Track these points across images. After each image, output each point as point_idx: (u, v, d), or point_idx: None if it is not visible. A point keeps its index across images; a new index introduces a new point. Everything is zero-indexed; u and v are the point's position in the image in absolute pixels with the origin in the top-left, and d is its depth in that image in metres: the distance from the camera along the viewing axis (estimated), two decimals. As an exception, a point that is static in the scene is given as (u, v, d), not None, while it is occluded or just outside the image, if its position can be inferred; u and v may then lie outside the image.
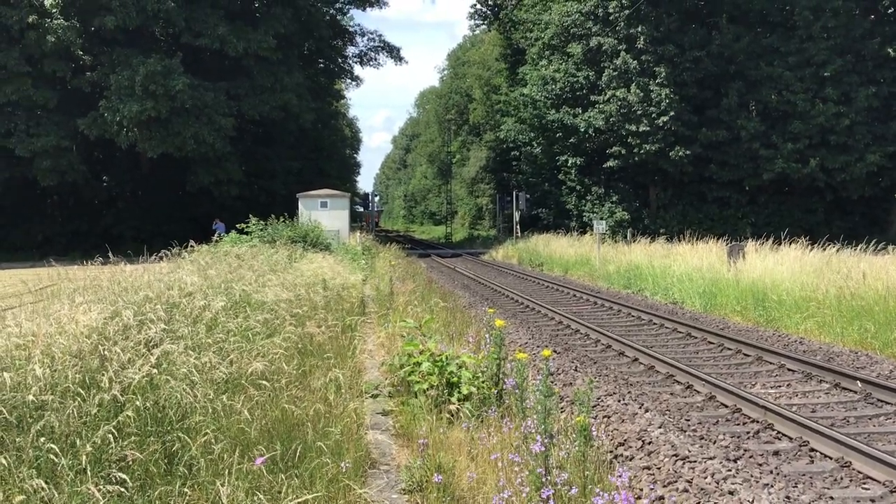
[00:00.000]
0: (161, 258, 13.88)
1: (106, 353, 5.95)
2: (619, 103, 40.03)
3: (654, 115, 39.21)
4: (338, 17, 57.64)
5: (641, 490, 6.70)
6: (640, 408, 9.16)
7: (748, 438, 8.39)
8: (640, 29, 40.03)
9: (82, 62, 39.91)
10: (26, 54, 36.91)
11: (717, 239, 27.16)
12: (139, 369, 5.61)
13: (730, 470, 6.97)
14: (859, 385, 10.26)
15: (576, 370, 11.61)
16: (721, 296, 19.05)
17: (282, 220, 26.39)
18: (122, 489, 4.39)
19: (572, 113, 43.15)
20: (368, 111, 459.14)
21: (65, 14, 37.12)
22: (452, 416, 7.20)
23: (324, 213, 31.90)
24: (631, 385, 10.79)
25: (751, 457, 7.61)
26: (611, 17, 41.19)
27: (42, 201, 44.92)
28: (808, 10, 38.89)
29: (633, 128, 39.79)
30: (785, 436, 8.41)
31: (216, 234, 18.72)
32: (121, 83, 36.27)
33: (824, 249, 20.38)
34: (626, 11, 40.14)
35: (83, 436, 4.78)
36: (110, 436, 4.76)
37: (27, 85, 37.19)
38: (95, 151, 44.42)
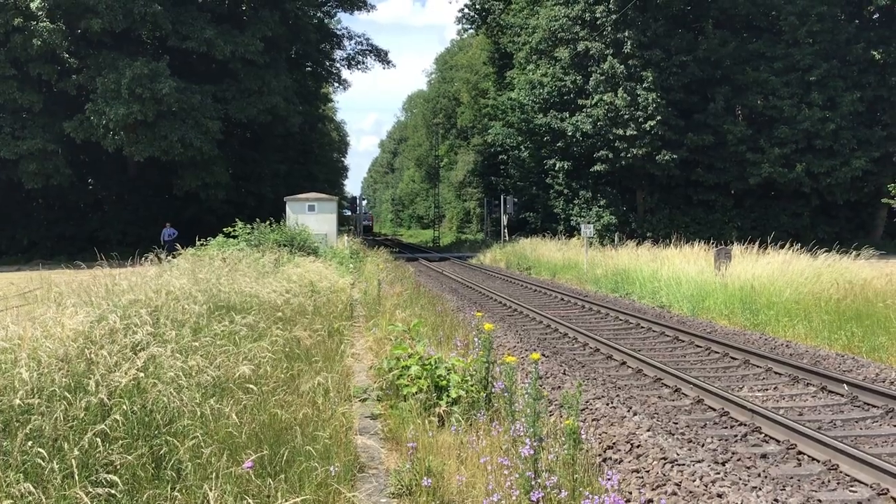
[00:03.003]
0: (147, 262, 13.84)
1: (92, 356, 5.92)
2: (607, 108, 40.18)
3: (641, 120, 39.37)
4: (325, 21, 57.61)
5: (630, 493, 6.71)
6: (628, 411, 9.17)
7: (736, 441, 8.41)
8: (626, 34, 40.19)
9: (68, 65, 39.70)
10: (11, 57, 36.72)
11: (704, 243, 27.27)
12: (125, 373, 5.58)
13: (718, 473, 6.99)
14: (846, 388, 10.31)
15: (564, 374, 11.61)
16: (708, 300, 19.11)
17: (269, 223, 26.31)
18: (111, 493, 4.37)
19: (560, 117, 43.29)
20: (358, 114, 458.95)
21: (51, 17, 36.92)
22: (441, 419, 7.19)
23: (311, 216, 31.83)
24: (619, 388, 10.80)
25: (739, 460, 7.63)
26: (598, 22, 41.33)
27: (27, 204, 44.64)
28: (794, 16, 39.17)
29: (621, 132, 39.95)
30: (772, 439, 8.43)
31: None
32: (107, 86, 36.08)
33: (816, 257, 20.46)
34: (613, 16, 40.30)
35: (70, 440, 4.75)
36: (98, 439, 4.73)
37: (13, 88, 36.99)
38: (81, 155, 44.16)
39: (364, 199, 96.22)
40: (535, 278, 32.09)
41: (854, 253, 20.85)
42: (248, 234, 25.01)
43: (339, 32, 60.30)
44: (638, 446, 7.87)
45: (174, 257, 15.80)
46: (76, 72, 39.24)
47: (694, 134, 40.16)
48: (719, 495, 6.48)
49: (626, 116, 39.73)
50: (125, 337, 6.66)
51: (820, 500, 6.65)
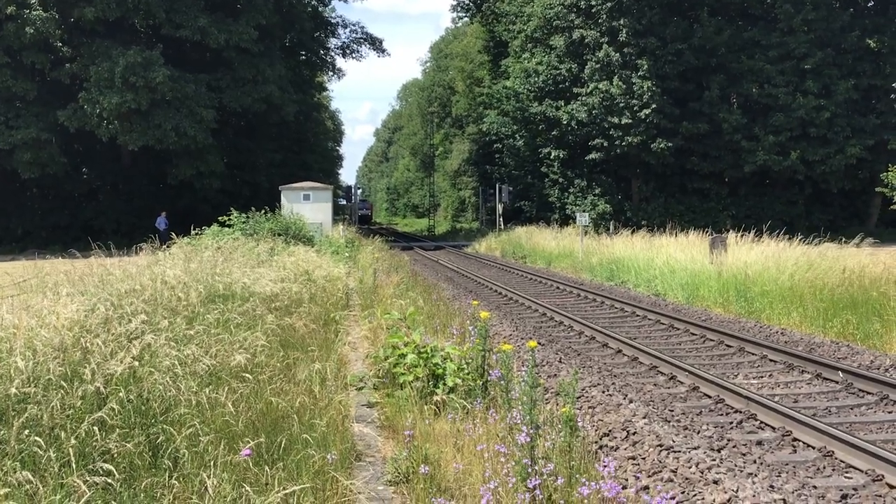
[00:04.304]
0: (142, 251, 13.82)
1: (88, 345, 5.91)
2: (602, 96, 40.14)
3: (636, 108, 39.35)
4: (319, 9, 57.40)
5: (627, 480, 6.72)
6: (624, 398, 9.19)
7: (731, 428, 8.44)
8: (622, 21, 40.12)
9: (62, 54, 39.49)
10: (4, 45, 36.51)
11: (699, 231, 27.27)
12: (121, 361, 5.58)
13: (714, 459, 7.01)
14: (841, 375, 10.34)
15: (560, 362, 11.63)
16: (703, 288, 19.14)
17: (264, 212, 26.25)
18: (108, 481, 4.37)
19: (555, 105, 43.23)
20: (353, 103, 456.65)
21: (44, 5, 36.71)
22: (438, 407, 7.20)
23: (306, 205, 31.81)
24: (615, 376, 10.83)
25: (734, 446, 7.66)
26: (593, 10, 41.25)
27: (22, 194, 44.49)
28: (789, 4, 39.13)
29: (616, 120, 39.93)
30: (768, 426, 8.46)
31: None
32: (100, 75, 35.94)
33: (810, 243, 20.47)
34: (609, 4, 40.22)
35: (67, 428, 4.75)
36: (94, 428, 4.73)
37: (6, 76, 36.81)
38: (76, 144, 43.96)
39: (359, 188, 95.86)
40: (531, 267, 32.11)
41: (848, 240, 20.88)
42: (243, 223, 24.95)
43: (333, 21, 60.07)
44: (634, 433, 7.89)
45: (168, 246, 15.77)
46: (70, 60, 39.05)
47: (689, 122, 40.16)
48: (715, 482, 6.50)
49: (621, 105, 39.70)
50: (120, 326, 6.65)
51: (815, 487, 6.67)
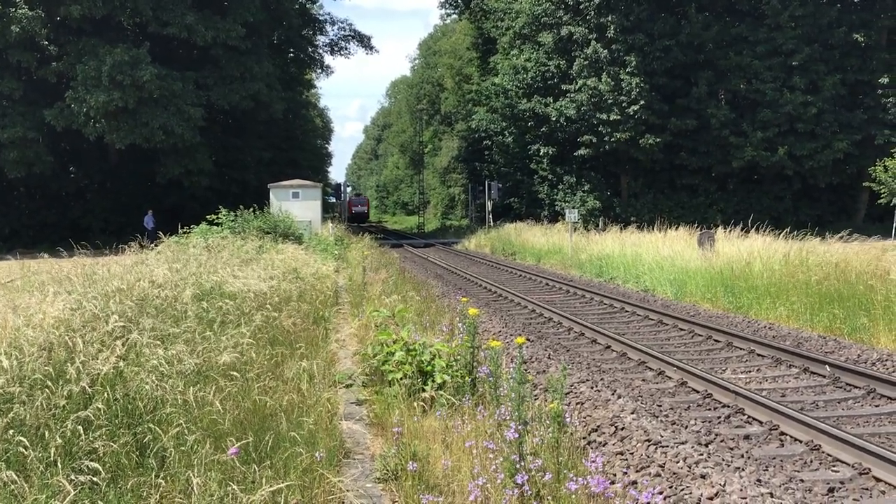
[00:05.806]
0: (130, 250, 13.79)
1: (73, 344, 5.88)
2: (590, 92, 40.18)
3: (624, 104, 39.40)
4: (307, 6, 57.28)
5: (615, 475, 6.74)
6: (612, 394, 9.20)
7: (719, 423, 8.47)
8: (610, 18, 40.16)
9: (48, 52, 39.26)
10: (-10, 44, 36.33)
11: (688, 227, 27.35)
12: (106, 360, 5.55)
13: (701, 454, 7.03)
14: (828, 369, 10.38)
15: (549, 358, 11.64)
16: (691, 283, 19.19)
17: (252, 210, 26.18)
18: (94, 480, 4.35)
19: (544, 102, 43.27)
20: (342, 101, 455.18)
21: (29, 3, 36.48)
22: (426, 404, 7.19)
23: (295, 203, 31.75)
24: (604, 372, 10.84)
25: (722, 441, 7.68)
26: (581, 7, 41.27)
27: (8, 193, 44.23)
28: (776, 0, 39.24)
29: (604, 116, 39.98)
30: (755, 420, 8.49)
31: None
32: (87, 73, 35.72)
33: (800, 238, 20.56)
34: (596, 0, 40.24)
35: (52, 428, 4.73)
36: (80, 427, 4.70)
37: (-8, 75, 36.63)
38: (63, 143, 43.71)
39: (349, 186, 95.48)
40: (520, 263, 32.13)
41: (835, 235, 20.99)
42: (232, 221, 24.87)
43: (321, 18, 59.98)
44: (622, 429, 7.90)
45: (155, 245, 15.72)
46: (56, 59, 38.81)
47: (677, 118, 40.24)
48: (703, 476, 6.52)
49: (609, 101, 39.76)
50: (106, 325, 6.62)
51: (802, 480, 6.70)
